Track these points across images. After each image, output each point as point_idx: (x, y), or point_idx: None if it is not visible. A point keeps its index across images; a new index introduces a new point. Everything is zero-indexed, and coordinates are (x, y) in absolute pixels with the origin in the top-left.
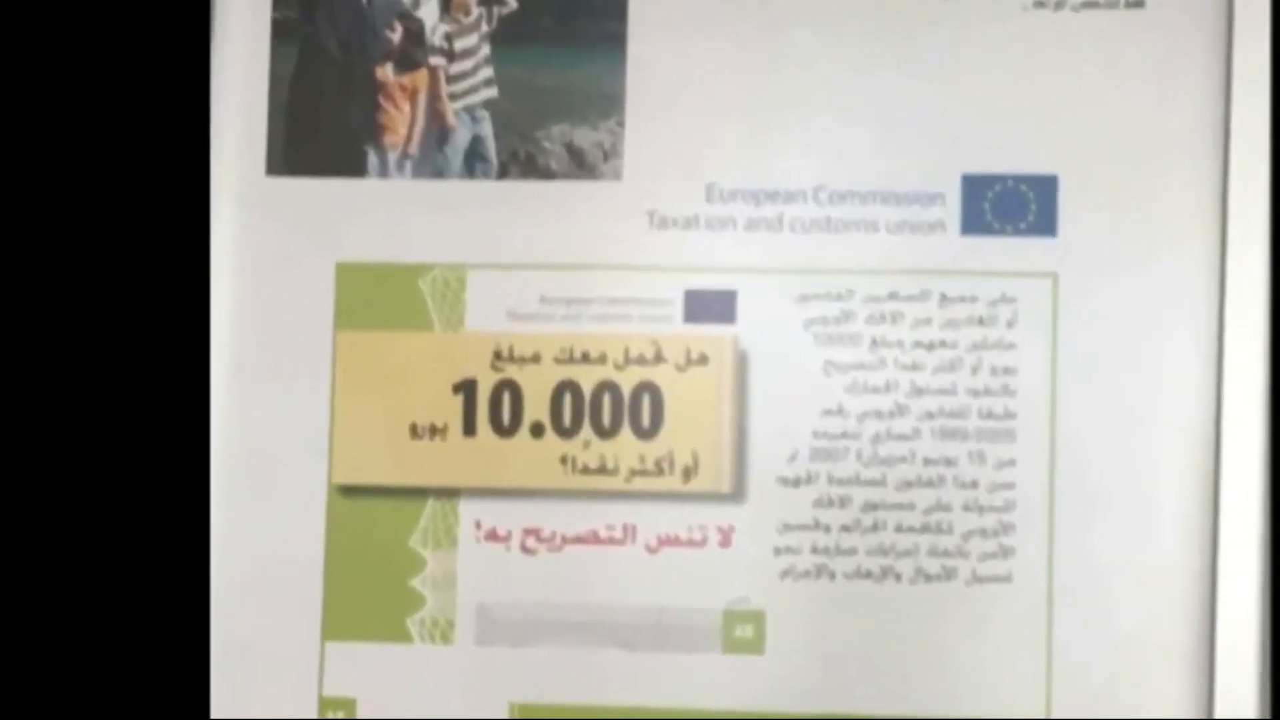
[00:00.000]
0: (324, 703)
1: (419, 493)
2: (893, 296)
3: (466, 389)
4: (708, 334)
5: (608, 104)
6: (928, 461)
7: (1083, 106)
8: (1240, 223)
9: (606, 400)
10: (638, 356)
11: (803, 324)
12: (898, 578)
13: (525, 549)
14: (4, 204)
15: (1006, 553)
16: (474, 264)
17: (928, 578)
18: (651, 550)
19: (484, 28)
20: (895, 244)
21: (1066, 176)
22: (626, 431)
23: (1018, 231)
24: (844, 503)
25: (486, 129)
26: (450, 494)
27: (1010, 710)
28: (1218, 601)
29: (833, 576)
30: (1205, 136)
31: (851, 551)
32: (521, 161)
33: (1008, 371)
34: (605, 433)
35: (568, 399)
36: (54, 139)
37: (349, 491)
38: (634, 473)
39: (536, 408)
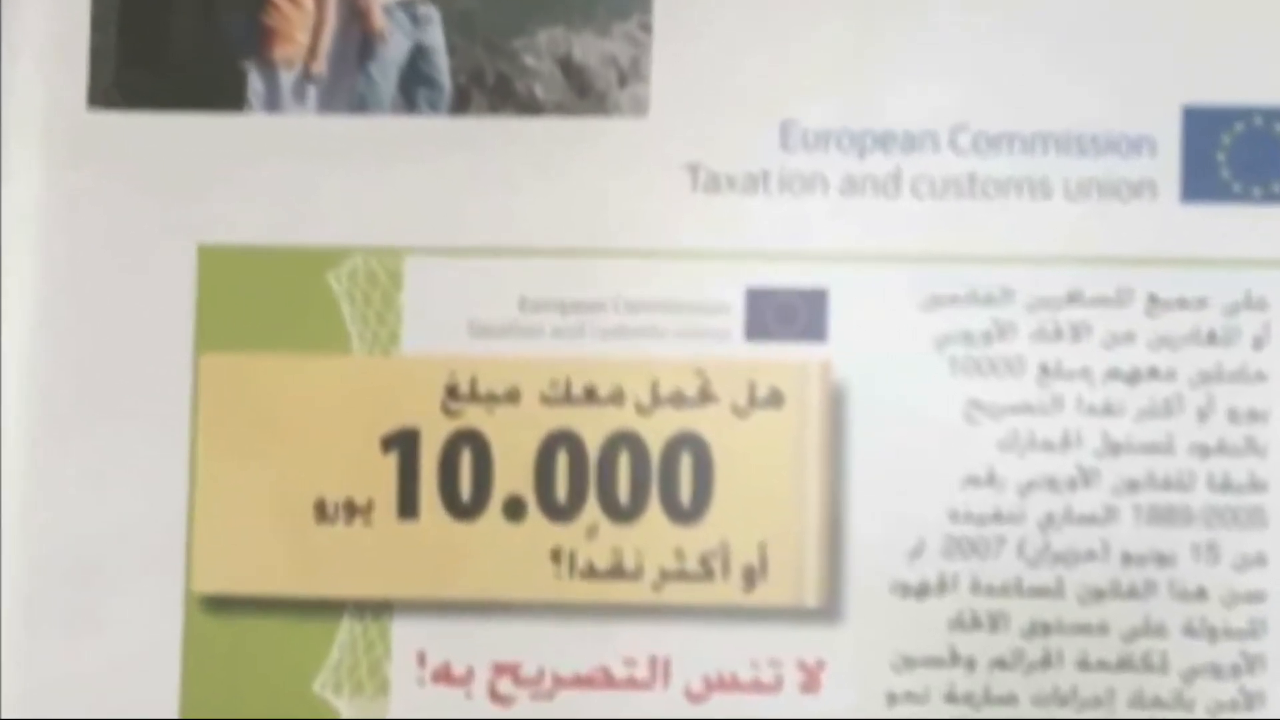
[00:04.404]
0: None
1: (329, 608)
2: (1074, 299)
3: (403, 445)
4: (783, 358)
5: None
6: (1129, 559)
7: None
8: None
9: (624, 462)
10: (673, 394)
11: (933, 342)
12: None
13: (496, 696)
14: None
15: (1252, 701)
16: (415, 248)
17: None
18: (695, 698)
19: None
20: (1078, 217)
21: None
22: (656, 511)
23: (1270, 197)
24: (997, 623)
25: (435, 35)
26: (378, 610)
27: None
28: None
29: None
30: None
31: (1010, 700)
32: (490, 87)
33: (1255, 417)
34: (622, 513)
35: (562, 460)
36: None
37: (218, 606)
38: (667, 575)
39: (514, 474)
